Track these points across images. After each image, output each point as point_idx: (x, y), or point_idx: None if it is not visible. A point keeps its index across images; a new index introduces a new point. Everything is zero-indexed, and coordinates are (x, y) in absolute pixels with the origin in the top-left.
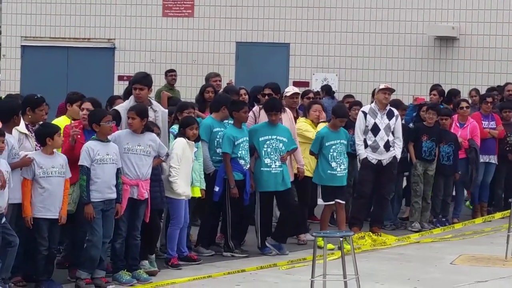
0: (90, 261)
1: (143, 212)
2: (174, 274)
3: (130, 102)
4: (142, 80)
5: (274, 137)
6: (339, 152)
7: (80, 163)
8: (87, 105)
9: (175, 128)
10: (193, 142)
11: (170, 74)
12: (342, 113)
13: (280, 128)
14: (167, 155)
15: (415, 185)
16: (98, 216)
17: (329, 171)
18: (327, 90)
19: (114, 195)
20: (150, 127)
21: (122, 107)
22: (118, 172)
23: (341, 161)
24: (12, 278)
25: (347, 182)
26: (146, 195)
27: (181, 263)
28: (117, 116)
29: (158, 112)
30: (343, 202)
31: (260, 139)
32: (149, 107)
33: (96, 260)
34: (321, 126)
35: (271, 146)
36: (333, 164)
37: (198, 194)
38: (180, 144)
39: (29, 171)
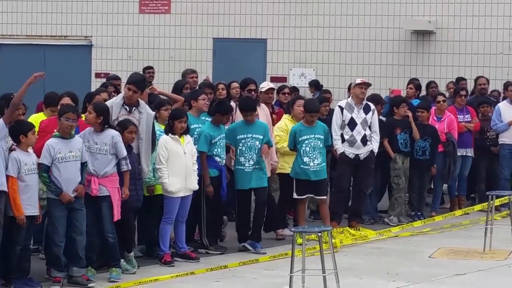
0: (54, 259)
1: (107, 211)
2: (155, 271)
3: (117, 99)
4: (139, 84)
5: (249, 135)
6: (312, 147)
7: (40, 161)
8: (66, 100)
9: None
10: (178, 137)
11: (148, 71)
12: (311, 108)
13: (256, 125)
14: (124, 158)
15: (397, 179)
16: (60, 213)
17: (302, 166)
18: (315, 85)
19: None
20: (113, 124)
21: (110, 102)
22: (83, 166)
23: (314, 156)
24: None
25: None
26: (104, 191)
27: (179, 260)
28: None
29: (143, 114)
30: (323, 197)
31: (237, 137)
32: (134, 108)
33: (58, 257)
34: None
35: (246, 145)
36: (306, 159)
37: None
38: (162, 143)
39: (15, 168)
